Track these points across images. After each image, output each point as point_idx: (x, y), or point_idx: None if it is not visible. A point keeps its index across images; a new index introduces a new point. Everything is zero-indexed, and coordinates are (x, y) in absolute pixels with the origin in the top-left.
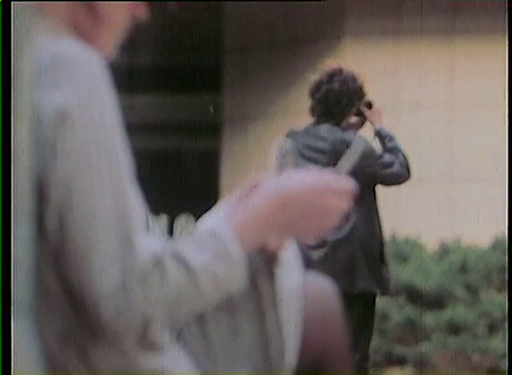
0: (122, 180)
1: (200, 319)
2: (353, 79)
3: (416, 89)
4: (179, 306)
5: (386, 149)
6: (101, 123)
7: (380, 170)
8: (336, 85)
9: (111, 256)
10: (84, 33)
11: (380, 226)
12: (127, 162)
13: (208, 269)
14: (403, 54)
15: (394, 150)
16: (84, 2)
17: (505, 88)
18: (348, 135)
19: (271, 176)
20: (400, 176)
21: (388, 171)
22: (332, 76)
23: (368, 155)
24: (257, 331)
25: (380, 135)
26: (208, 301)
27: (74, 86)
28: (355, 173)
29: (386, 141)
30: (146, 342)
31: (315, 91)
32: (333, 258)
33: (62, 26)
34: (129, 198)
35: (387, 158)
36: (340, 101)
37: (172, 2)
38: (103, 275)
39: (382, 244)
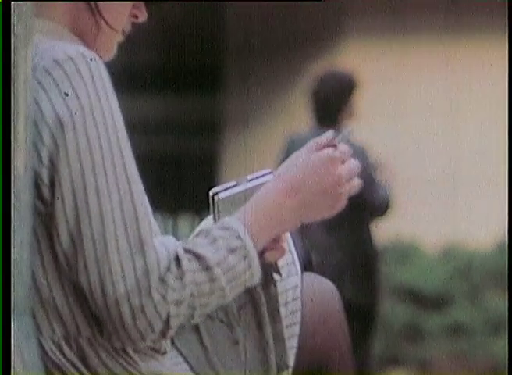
0: (130, 181)
1: (196, 331)
2: (347, 77)
3: (417, 88)
4: (197, 300)
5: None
6: (103, 124)
7: (368, 190)
8: (331, 87)
9: (126, 256)
10: (84, 35)
11: (370, 235)
12: (133, 163)
13: (222, 262)
14: (404, 53)
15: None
16: (85, 5)
17: (505, 88)
18: (355, 144)
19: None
20: (379, 208)
21: (374, 196)
22: (327, 77)
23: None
24: (255, 340)
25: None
26: (226, 293)
27: (75, 87)
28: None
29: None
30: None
31: (311, 93)
32: (321, 268)
33: (62, 28)
34: (138, 198)
35: (380, 187)
36: (336, 102)
37: (170, 3)
38: (121, 275)
39: (371, 252)
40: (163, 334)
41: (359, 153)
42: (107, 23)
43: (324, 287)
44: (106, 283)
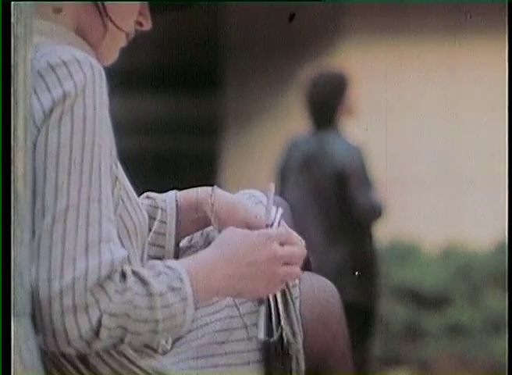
0: (92, 186)
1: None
2: (338, 77)
3: (417, 89)
4: (131, 325)
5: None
6: (82, 128)
7: (362, 195)
8: (323, 87)
9: (68, 257)
10: (90, 37)
11: (371, 235)
12: (101, 170)
13: (163, 296)
14: (404, 53)
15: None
16: (92, 6)
17: (505, 88)
18: (353, 145)
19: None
20: (369, 213)
21: (365, 199)
22: (318, 78)
23: (353, 175)
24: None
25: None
26: (159, 329)
27: (66, 92)
28: (341, 176)
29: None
30: (142, 346)
31: (305, 95)
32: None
33: (66, 30)
34: (94, 203)
35: (372, 190)
36: (330, 102)
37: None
38: (59, 274)
39: (370, 255)
40: (89, 344)
41: (355, 153)
42: (114, 24)
43: (323, 287)
44: (42, 279)
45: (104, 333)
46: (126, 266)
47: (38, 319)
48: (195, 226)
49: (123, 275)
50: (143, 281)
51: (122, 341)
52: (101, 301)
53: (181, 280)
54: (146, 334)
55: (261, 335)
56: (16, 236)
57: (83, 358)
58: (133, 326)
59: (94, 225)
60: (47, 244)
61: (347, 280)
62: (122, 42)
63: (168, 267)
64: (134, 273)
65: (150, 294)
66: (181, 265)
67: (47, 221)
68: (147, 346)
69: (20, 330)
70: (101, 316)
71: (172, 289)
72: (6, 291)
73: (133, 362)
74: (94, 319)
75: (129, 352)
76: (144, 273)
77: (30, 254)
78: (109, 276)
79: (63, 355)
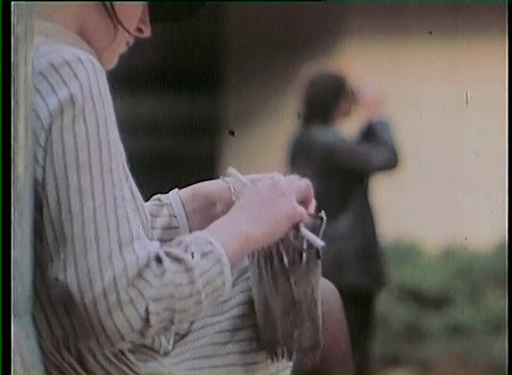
0: (114, 184)
1: None
2: (336, 78)
3: (417, 89)
4: (177, 304)
5: (374, 139)
6: (95, 128)
7: (354, 159)
8: (320, 88)
9: (104, 257)
10: (95, 40)
11: (373, 222)
12: (120, 168)
13: (198, 265)
14: (404, 53)
15: (378, 137)
16: (100, 8)
17: (505, 88)
18: (342, 135)
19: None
20: (377, 162)
21: (363, 159)
22: (316, 79)
23: (337, 148)
24: None
25: (370, 126)
26: (203, 299)
27: (71, 92)
28: (330, 169)
29: (376, 129)
30: (142, 347)
31: (302, 94)
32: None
33: (67, 31)
34: (124, 198)
35: (362, 146)
36: (326, 103)
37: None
38: (99, 275)
39: (373, 239)
40: (142, 334)
41: (336, 136)
42: (122, 26)
43: (323, 287)
44: (83, 283)
45: (154, 319)
46: (160, 250)
47: (86, 323)
48: (203, 216)
49: (158, 260)
50: (177, 259)
51: (172, 321)
52: (144, 290)
53: (210, 243)
54: (192, 309)
55: (319, 242)
56: (16, 236)
57: (82, 361)
58: (179, 304)
59: (124, 223)
60: (81, 247)
61: (345, 266)
62: (123, 48)
63: (195, 236)
64: (167, 253)
65: (187, 269)
66: (209, 232)
67: (77, 226)
68: (148, 348)
69: (20, 330)
70: (148, 304)
71: (205, 254)
72: (6, 291)
73: (132, 369)
74: (142, 309)
75: (130, 357)
76: (176, 250)
77: (33, 255)
78: (146, 265)
79: (62, 357)
